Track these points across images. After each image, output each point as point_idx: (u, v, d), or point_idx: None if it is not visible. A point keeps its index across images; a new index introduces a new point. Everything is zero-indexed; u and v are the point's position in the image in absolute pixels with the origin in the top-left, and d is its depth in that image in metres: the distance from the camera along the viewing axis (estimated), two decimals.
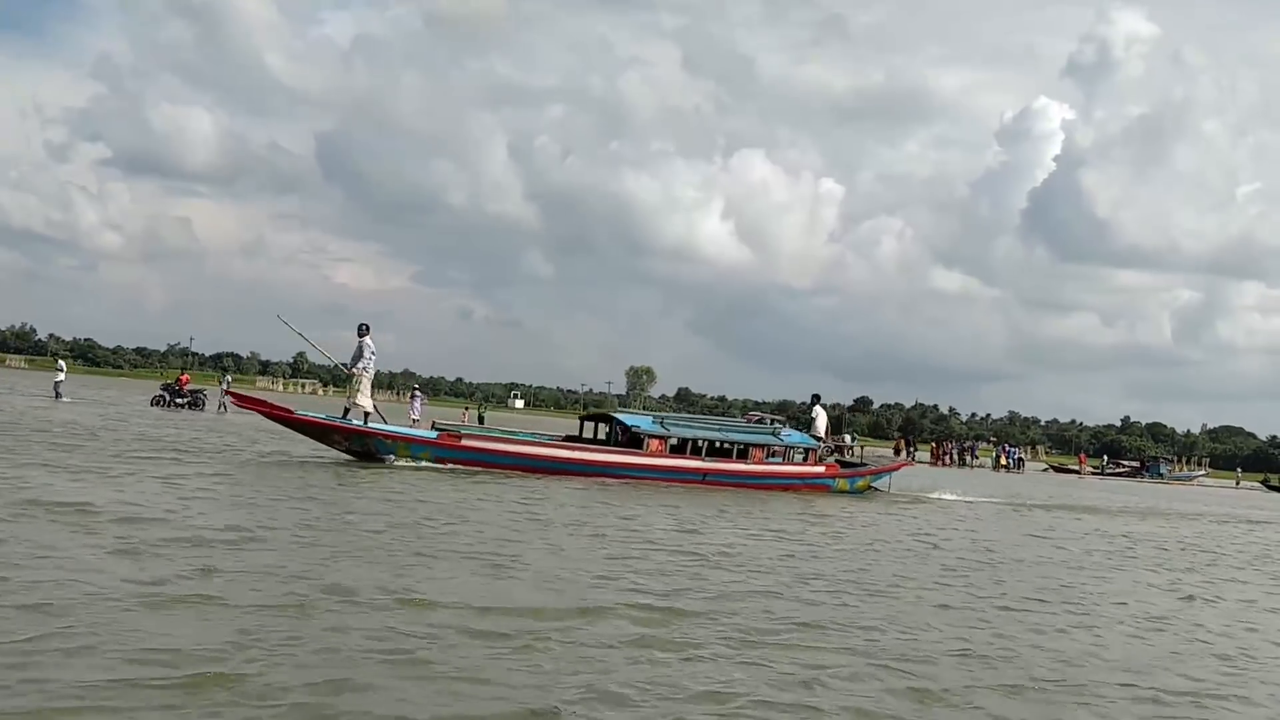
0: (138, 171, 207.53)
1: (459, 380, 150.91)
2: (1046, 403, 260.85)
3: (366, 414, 16.83)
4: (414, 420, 29.60)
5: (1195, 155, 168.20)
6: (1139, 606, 9.43)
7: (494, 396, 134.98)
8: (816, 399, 21.24)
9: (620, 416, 19.47)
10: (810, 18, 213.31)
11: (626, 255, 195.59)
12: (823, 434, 20.86)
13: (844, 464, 21.32)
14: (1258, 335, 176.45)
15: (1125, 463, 70.67)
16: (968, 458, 55.41)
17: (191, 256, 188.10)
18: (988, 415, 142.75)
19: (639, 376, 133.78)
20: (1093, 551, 14.10)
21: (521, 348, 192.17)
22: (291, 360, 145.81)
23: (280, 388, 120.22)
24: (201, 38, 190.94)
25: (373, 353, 16.83)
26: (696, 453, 18.84)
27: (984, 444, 71.76)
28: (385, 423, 17.52)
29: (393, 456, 16.72)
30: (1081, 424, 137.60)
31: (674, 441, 18.80)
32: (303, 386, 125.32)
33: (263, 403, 16.77)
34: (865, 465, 21.82)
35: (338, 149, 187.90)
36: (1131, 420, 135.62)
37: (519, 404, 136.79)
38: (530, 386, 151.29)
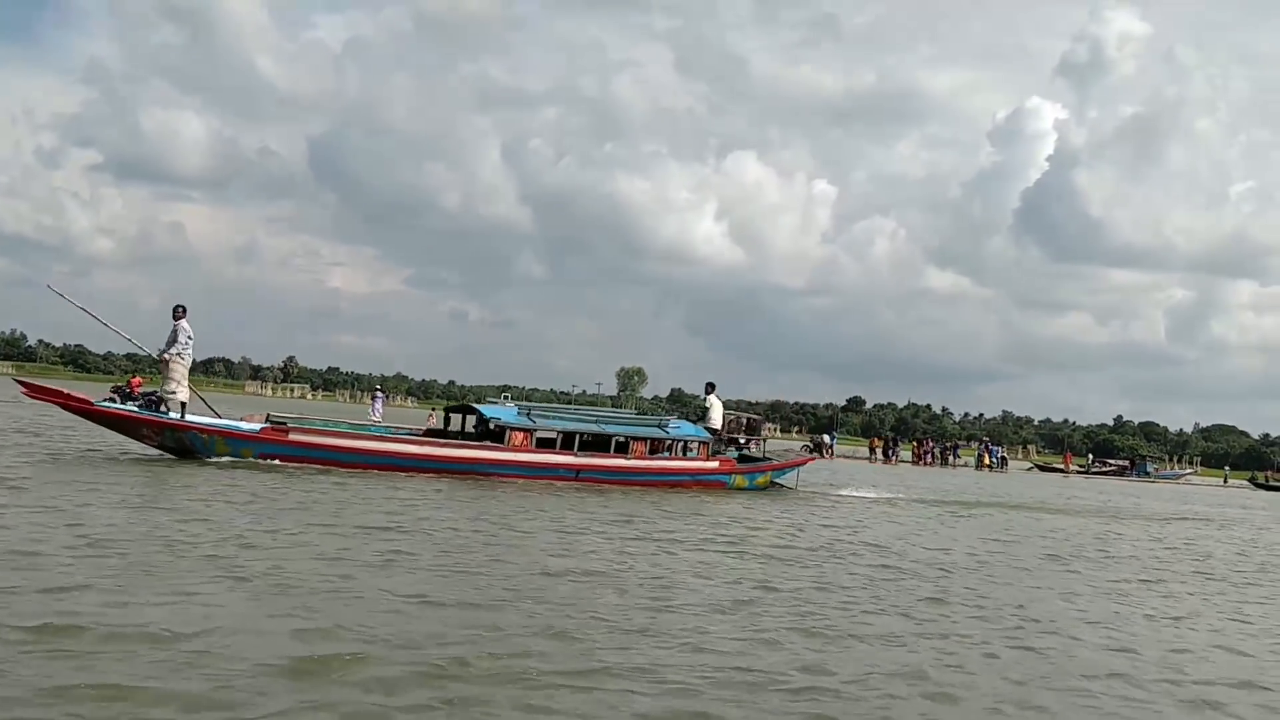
0: (129, 177, 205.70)
1: (451, 383, 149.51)
2: (1040, 402, 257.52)
3: (183, 404, 15.27)
4: (376, 422, 28.01)
5: (1188, 154, 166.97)
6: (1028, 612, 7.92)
7: (486, 399, 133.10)
8: (711, 387, 19.57)
9: (481, 407, 17.92)
10: (802, 18, 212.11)
11: (620, 257, 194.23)
12: (718, 426, 19.24)
13: (744, 459, 19.71)
14: (1251, 334, 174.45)
15: (1113, 462, 69.31)
16: (949, 457, 54.53)
17: (184, 261, 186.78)
18: (981, 415, 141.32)
19: (630, 377, 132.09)
20: (995, 552, 12.44)
21: (515, 350, 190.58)
22: (282, 365, 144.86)
23: (269, 392, 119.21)
24: (192, 42, 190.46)
25: (189, 337, 15.26)
26: (568, 447, 17.26)
27: (973, 443, 70.46)
28: (217, 415, 16.02)
29: (210, 453, 15.18)
30: (1075, 423, 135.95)
31: (541, 435, 17.25)
32: (292, 390, 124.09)
33: (57, 392, 15.16)
34: (767, 460, 20.18)
35: (330, 153, 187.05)
36: (1124, 419, 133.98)
37: (509, 406, 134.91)
38: (523, 389, 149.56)
